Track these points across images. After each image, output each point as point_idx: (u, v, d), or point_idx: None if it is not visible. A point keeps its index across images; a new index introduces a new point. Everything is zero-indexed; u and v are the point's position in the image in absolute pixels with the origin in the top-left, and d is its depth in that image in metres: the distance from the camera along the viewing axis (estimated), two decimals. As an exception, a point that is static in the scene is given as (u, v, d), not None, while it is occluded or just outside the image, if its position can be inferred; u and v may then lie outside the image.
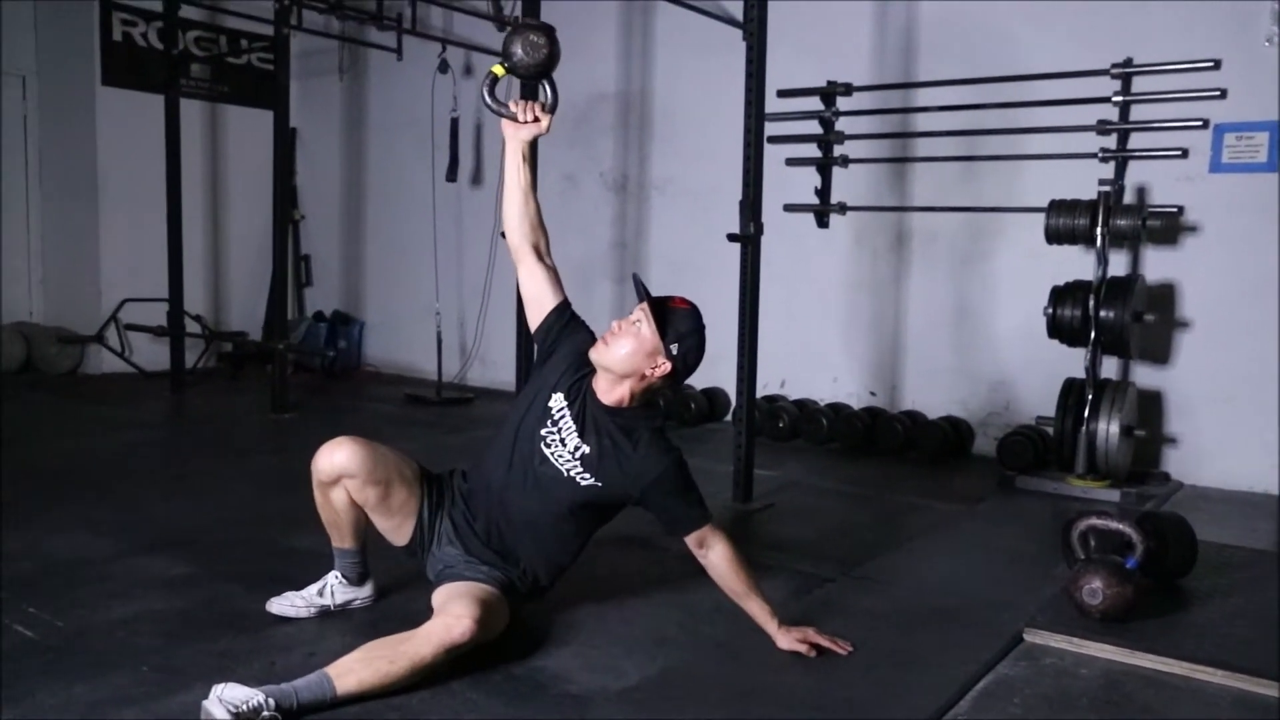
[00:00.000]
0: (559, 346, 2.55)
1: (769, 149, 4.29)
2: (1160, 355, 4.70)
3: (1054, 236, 4.48)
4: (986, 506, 4.20)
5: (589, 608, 2.78)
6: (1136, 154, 4.61)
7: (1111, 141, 4.62)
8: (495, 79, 2.52)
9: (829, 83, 5.27)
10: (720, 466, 4.08)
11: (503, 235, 4.62)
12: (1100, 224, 4.28)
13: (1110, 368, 4.67)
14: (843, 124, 5.31)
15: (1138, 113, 4.60)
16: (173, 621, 2.56)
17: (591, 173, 6.38)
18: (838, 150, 5.33)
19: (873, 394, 5.52)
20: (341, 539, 2.60)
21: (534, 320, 2.58)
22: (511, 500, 2.49)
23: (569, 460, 2.43)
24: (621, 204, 6.36)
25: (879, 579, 3.13)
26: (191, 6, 6.55)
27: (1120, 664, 2.48)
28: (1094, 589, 2.64)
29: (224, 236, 7.54)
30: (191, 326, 6.74)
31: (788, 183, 5.25)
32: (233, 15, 6.93)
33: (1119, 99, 4.57)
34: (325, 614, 2.61)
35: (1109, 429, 4.30)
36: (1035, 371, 4.92)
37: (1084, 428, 4.32)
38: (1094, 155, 4.63)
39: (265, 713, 1.94)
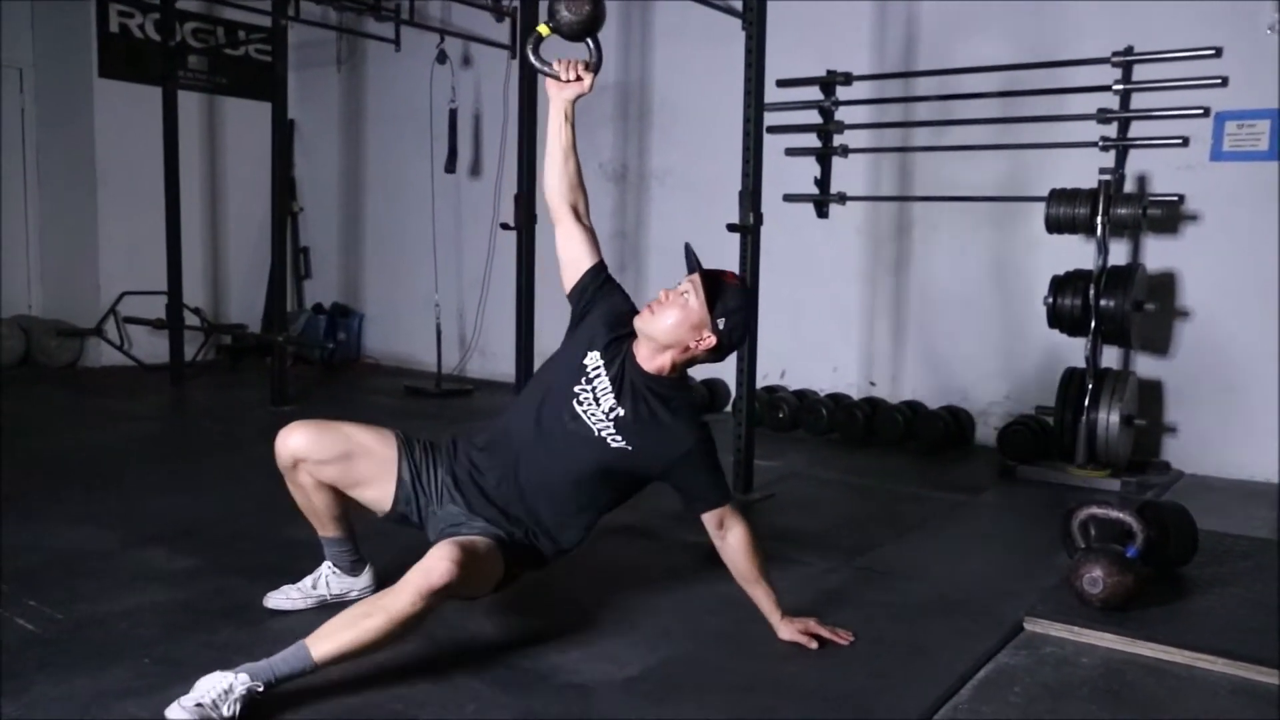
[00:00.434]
0: (594, 306, 2.52)
1: (768, 139, 4.28)
2: (1160, 344, 4.70)
3: (1054, 225, 4.47)
4: (987, 496, 4.21)
5: (590, 598, 2.78)
6: (1137, 142, 4.60)
7: (1112, 130, 4.62)
8: (540, 38, 2.49)
9: (828, 72, 5.27)
10: (721, 457, 4.06)
11: (503, 226, 4.63)
12: (1101, 213, 4.27)
13: (1111, 357, 4.66)
14: (842, 113, 5.31)
15: (1138, 101, 4.60)
16: (174, 614, 2.56)
17: (591, 163, 6.31)
18: (837, 140, 5.33)
19: (873, 384, 5.52)
20: (323, 527, 2.58)
21: (569, 281, 2.55)
22: (534, 456, 2.42)
23: (602, 421, 2.38)
24: (621, 194, 6.35)
25: (880, 569, 3.14)
26: (188, -2, 6.53)
27: (1121, 653, 2.49)
28: (1094, 578, 2.64)
29: (223, 229, 7.53)
30: (190, 319, 6.73)
31: (787, 173, 5.24)
32: (230, 6, 6.90)
33: (1119, 87, 4.57)
34: (325, 605, 2.60)
35: (1109, 418, 4.30)
36: (1035, 361, 4.92)
37: (1084, 417, 4.32)
38: (1094, 144, 4.62)
39: (239, 689, 1.93)
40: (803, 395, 5.44)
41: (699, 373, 5.26)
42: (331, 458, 2.41)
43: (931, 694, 2.22)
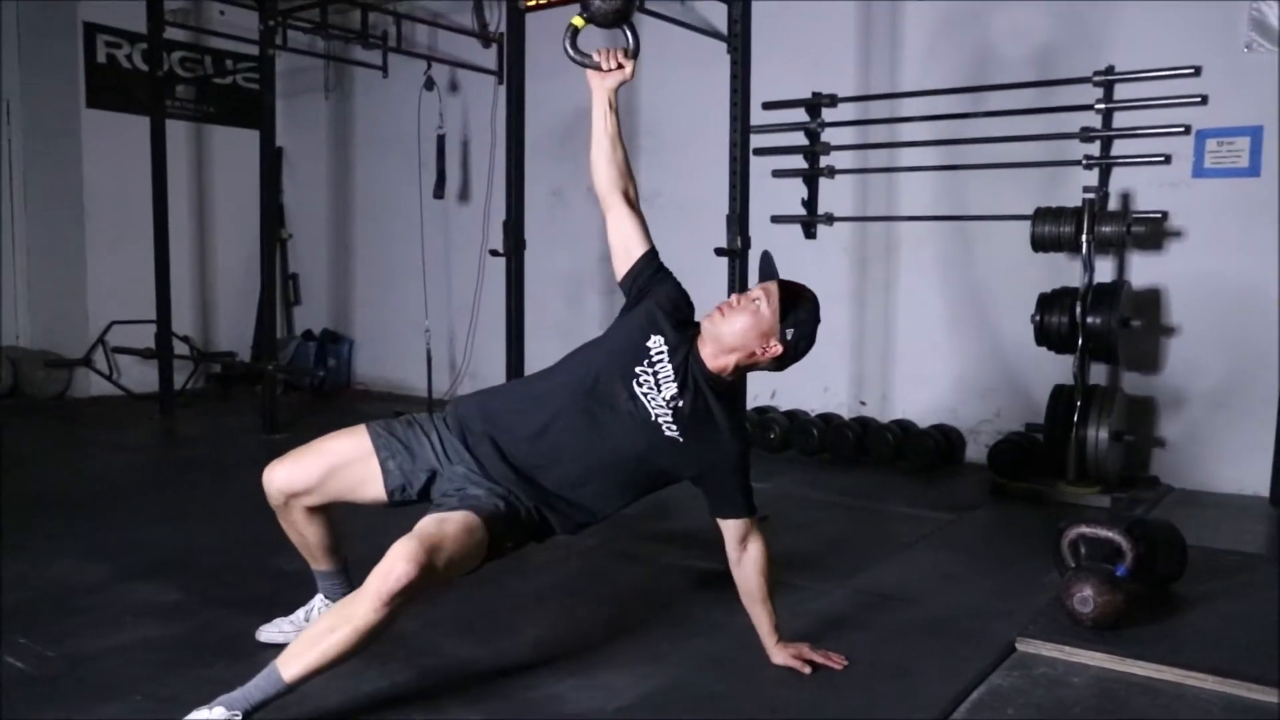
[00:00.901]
0: (650, 292, 2.48)
1: (755, 161, 4.31)
2: (1148, 360, 4.72)
3: (1040, 244, 4.50)
4: (978, 515, 4.21)
5: (583, 625, 2.78)
6: (1120, 160, 4.65)
7: (1095, 148, 4.66)
8: (576, 30, 2.47)
9: (814, 94, 5.31)
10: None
11: (492, 252, 4.64)
12: (1085, 231, 4.31)
13: (1099, 373, 4.69)
14: (828, 135, 5.34)
15: (1120, 120, 4.65)
16: (166, 649, 2.55)
17: (579, 187, 6.38)
18: (824, 161, 5.37)
19: (863, 403, 5.54)
20: (314, 560, 2.58)
21: (621, 267, 2.53)
22: (578, 428, 2.33)
23: (661, 407, 2.34)
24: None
25: (871, 590, 3.14)
26: (176, 28, 6.55)
27: (1112, 672, 2.49)
28: (1085, 597, 2.65)
29: (211, 257, 7.53)
30: (180, 348, 6.72)
31: (775, 194, 5.27)
32: (217, 36, 6.94)
33: (1102, 106, 4.62)
34: (317, 637, 2.59)
35: (1098, 435, 4.32)
36: (1024, 378, 4.95)
37: (1074, 434, 4.34)
38: (1078, 162, 4.67)
39: None
40: (793, 415, 5.45)
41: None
42: (316, 481, 2.38)
43: (924, 717, 2.23)
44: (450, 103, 6.83)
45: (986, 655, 2.57)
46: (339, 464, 2.39)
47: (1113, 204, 4.68)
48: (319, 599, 2.63)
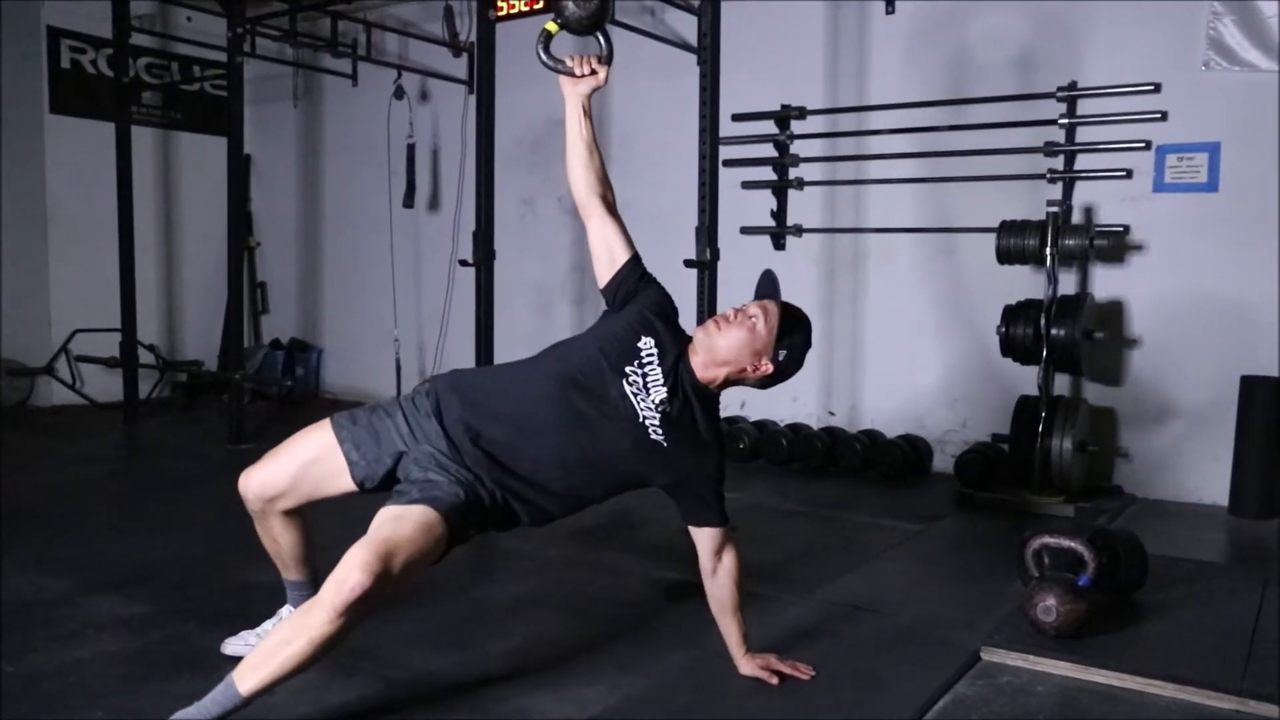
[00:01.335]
0: (638, 296, 2.47)
1: (725, 172, 4.34)
2: (1111, 371, 4.79)
3: (1005, 256, 4.56)
4: (944, 524, 4.25)
5: (552, 636, 2.78)
6: (1083, 175, 4.73)
7: (1059, 163, 4.74)
8: (550, 35, 2.46)
9: (783, 106, 5.35)
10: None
11: (461, 262, 4.63)
12: (1049, 244, 4.37)
13: (1063, 384, 4.75)
14: (797, 147, 5.39)
15: (1083, 134, 4.73)
16: (128, 663, 2.52)
17: (549, 196, 6.40)
18: (793, 173, 5.41)
19: (832, 414, 5.58)
20: (286, 569, 2.55)
21: (604, 274, 2.49)
22: (560, 420, 2.30)
23: (649, 410, 2.33)
24: (580, 228, 6.30)
25: (839, 600, 3.16)
26: (142, 34, 6.49)
27: (1075, 680, 2.53)
28: (1048, 606, 2.68)
29: (178, 265, 7.46)
30: (145, 357, 6.65)
31: (744, 205, 5.31)
32: (185, 42, 6.88)
33: (1065, 121, 4.69)
34: (283, 650, 2.57)
35: (1063, 445, 4.37)
36: (990, 389, 5.00)
37: (1038, 444, 4.39)
38: (1042, 176, 4.74)
39: None
40: (763, 426, 5.48)
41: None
42: (290, 482, 2.36)
43: (891, 727, 2.25)
44: (420, 112, 6.82)
45: (951, 664, 2.59)
46: (307, 461, 2.36)
47: (1076, 217, 4.75)
48: (286, 610, 2.60)
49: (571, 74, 2.48)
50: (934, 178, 5.08)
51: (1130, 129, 4.60)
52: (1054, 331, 4.37)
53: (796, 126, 5.37)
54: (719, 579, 2.45)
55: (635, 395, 2.33)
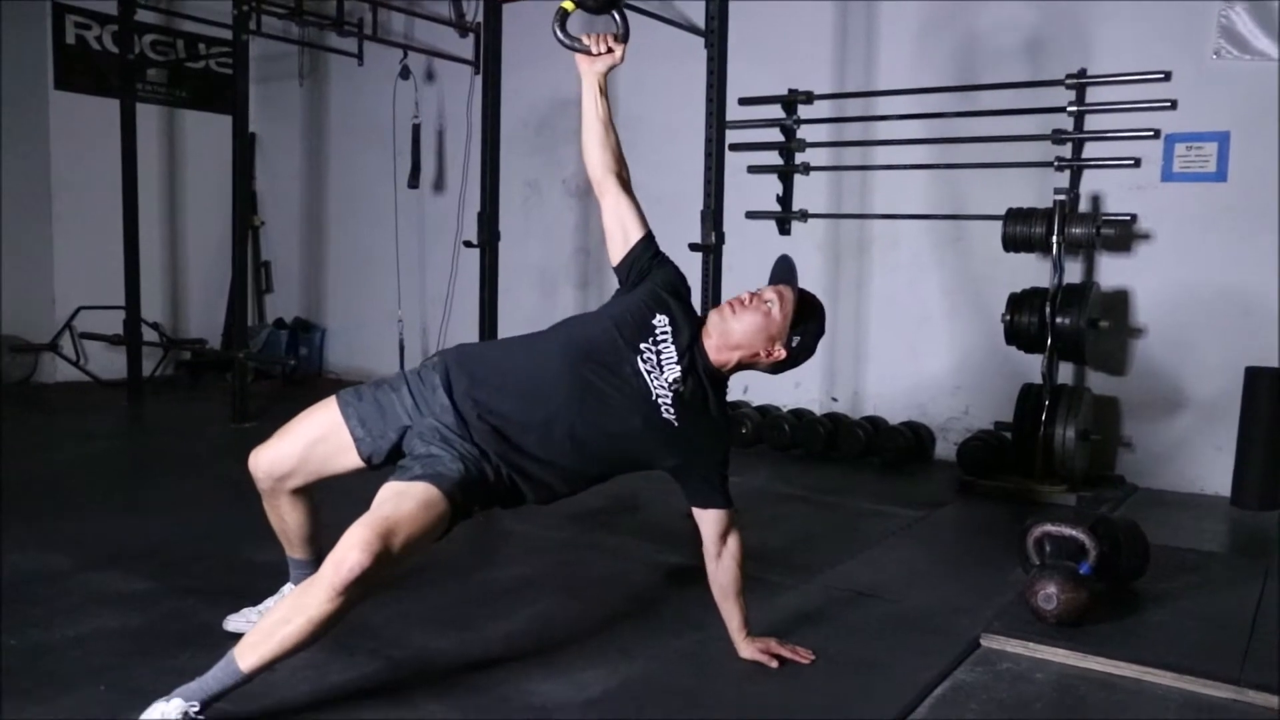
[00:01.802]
0: (650, 276, 2.46)
1: (731, 156, 4.32)
2: (1115, 361, 4.78)
3: (1011, 244, 4.54)
4: (946, 512, 4.25)
5: (553, 619, 2.79)
6: (1091, 163, 4.70)
7: (1066, 151, 4.71)
8: (566, 14, 2.45)
9: (790, 90, 5.32)
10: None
11: (466, 243, 4.62)
12: (1056, 232, 4.35)
13: (1067, 373, 4.74)
14: (804, 132, 5.36)
15: (1092, 123, 4.70)
16: (130, 639, 2.53)
17: (554, 179, 6.38)
18: (799, 158, 5.38)
19: (834, 399, 5.57)
20: (291, 548, 2.56)
21: (618, 251, 2.49)
22: (569, 396, 2.28)
23: (662, 388, 2.31)
24: (584, 211, 6.36)
25: (839, 586, 3.16)
26: (148, 10, 6.46)
27: (1074, 668, 2.53)
28: (1049, 594, 2.69)
29: (182, 243, 7.45)
30: (149, 334, 6.65)
31: (750, 190, 5.28)
32: (190, 19, 6.85)
33: (1074, 109, 4.66)
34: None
35: (1065, 434, 4.37)
36: (994, 377, 4.99)
37: (1041, 432, 4.39)
38: (1050, 164, 4.71)
39: (174, 715, 1.91)
40: (765, 411, 5.48)
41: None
42: (298, 460, 2.37)
43: (889, 711, 2.25)
44: (426, 92, 6.80)
45: (951, 650, 2.60)
46: (314, 439, 2.36)
47: (1083, 206, 4.74)
48: (288, 588, 2.61)
49: (588, 52, 2.46)
50: (941, 164, 5.06)
51: (1139, 117, 4.57)
52: (1059, 320, 4.36)
53: (803, 111, 5.34)
54: (723, 562, 2.45)
55: (649, 373, 2.32)
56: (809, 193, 5.42)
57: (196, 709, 1.94)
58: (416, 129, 6.67)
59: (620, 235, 2.48)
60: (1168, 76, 4.51)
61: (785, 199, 5.40)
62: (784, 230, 5.44)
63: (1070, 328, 4.35)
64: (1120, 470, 4.78)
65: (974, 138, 4.91)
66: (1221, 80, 4.46)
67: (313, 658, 2.17)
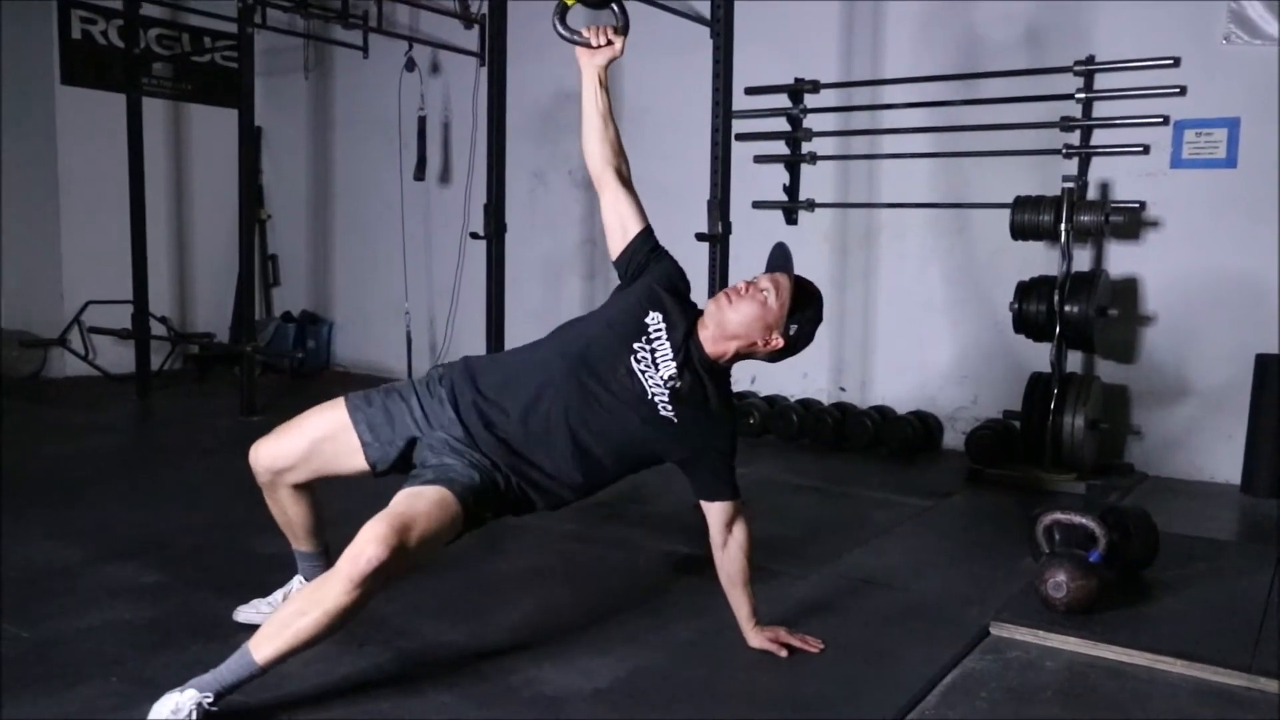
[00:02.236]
0: (649, 269, 2.46)
1: (737, 146, 4.31)
2: (1124, 349, 4.77)
3: (1019, 232, 4.53)
4: (955, 501, 4.25)
5: (561, 609, 2.79)
6: (1099, 150, 4.68)
7: (1075, 138, 4.69)
8: (566, 8, 2.45)
9: (796, 80, 5.31)
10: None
11: (473, 235, 4.62)
12: (1064, 220, 4.34)
13: (1075, 362, 4.73)
14: (810, 121, 5.35)
15: (1100, 109, 4.67)
16: (142, 630, 2.54)
17: (560, 170, 6.37)
18: (806, 147, 5.37)
19: (842, 389, 5.56)
20: (296, 540, 2.57)
21: (616, 245, 2.49)
22: (569, 401, 2.29)
23: (658, 386, 2.32)
24: (590, 201, 6.34)
25: (849, 575, 3.16)
26: (153, 4, 6.46)
27: (1084, 656, 2.53)
28: (1058, 582, 2.68)
29: (189, 237, 7.46)
30: (157, 328, 6.66)
31: (756, 180, 5.28)
32: (195, 13, 6.85)
33: (1082, 96, 4.64)
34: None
35: (1074, 422, 4.36)
36: (1002, 366, 4.98)
37: (1050, 421, 4.37)
38: (1058, 151, 4.69)
39: (188, 706, 1.92)
40: (773, 401, 5.47)
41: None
42: (300, 457, 2.37)
43: (899, 700, 2.25)
44: (431, 84, 6.79)
45: (961, 639, 2.60)
46: (320, 438, 2.37)
47: (1091, 193, 4.71)
48: (297, 580, 2.62)
49: (588, 45, 2.46)
50: (948, 152, 5.04)
51: (1148, 104, 4.55)
52: (1067, 308, 4.34)
53: (810, 101, 5.33)
54: (729, 552, 2.45)
55: (644, 372, 2.32)
56: (816, 182, 5.41)
57: (210, 700, 1.95)
58: (422, 121, 6.66)
59: (619, 229, 2.49)
60: (1177, 62, 4.48)
61: (792, 189, 5.39)
62: (791, 220, 5.43)
63: (1079, 316, 4.33)
64: (1129, 459, 4.77)
65: (981, 125, 4.89)
66: (1231, 65, 4.43)
67: (324, 649, 2.17)
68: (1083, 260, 4.71)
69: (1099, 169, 4.74)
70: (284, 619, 2.02)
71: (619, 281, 2.52)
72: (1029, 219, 4.47)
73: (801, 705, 2.24)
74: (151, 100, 6.72)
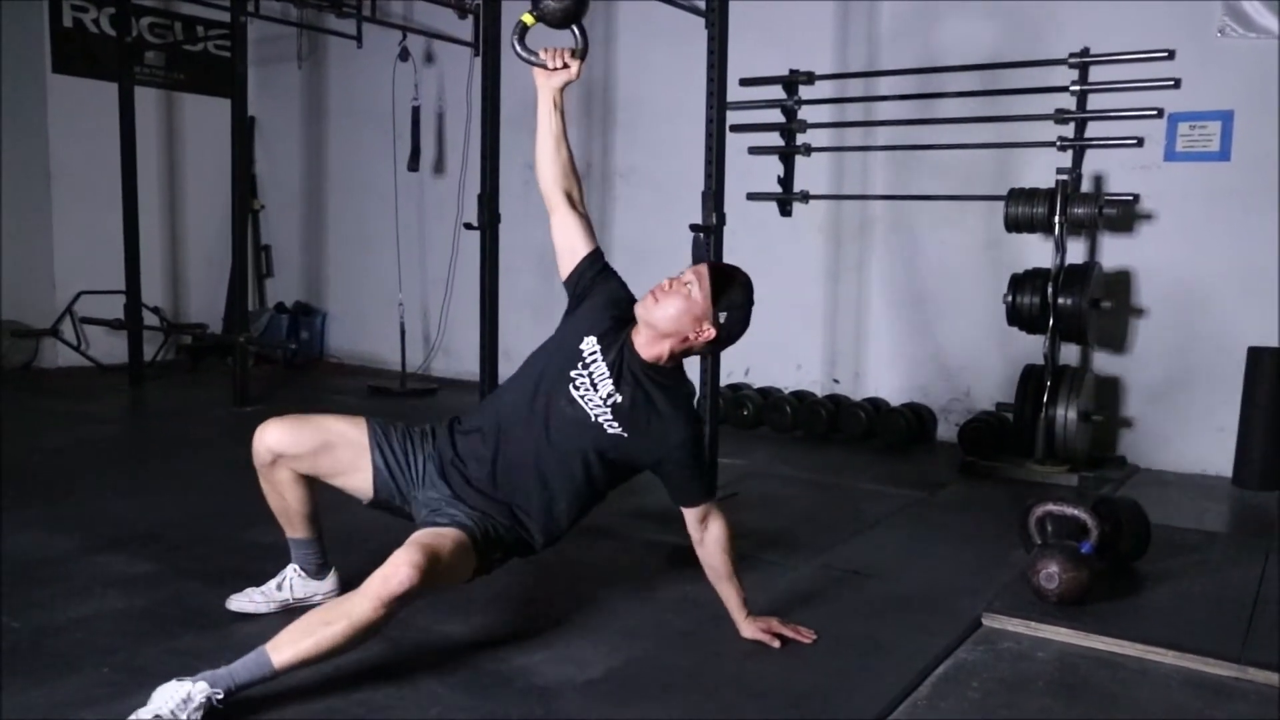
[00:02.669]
0: (591, 293, 2.51)
1: (732, 137, 4.30)
2: (1117, 341, 4.78)
3: (1013, 225, 4.53)
4: (947, 493, 4.26)
5: (553, 598, 2.79)
6: (1093, 143, 4.68)
7: (1069, 130, 4.69)
8: (525, 28, 2.50)
9: (791, 71, 5.30)
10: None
11: (466, 226, 4.62)
12: (1058, 212, 4.34)
13: (1069, 354, 4.74)
14: (805, 112, 5.34)
15: (1094, 102, 4.67)
16: (134, 620, 2.54)
17: (555, 161, 6.35)
18: (800, 139, 5.36)
19: (836, 381, 5.57)
20: (292, 528, 2.58)
21: (565, 267, 2.54)
22: (525, 440, 2.39)
23: (599, 406, 2.37)
24: (585, 193, 6.33)
25: (841, 566, 3.17)
26: (145, -8, 6.43)
27: (1076, 646, 2.54)
28: (1050, 573, 2.69)
29: (182, 227, 7.43)
30: (150, 319, 6.64)
31: (751, 171, 5.26)
32: (188, 2, 6.81)
33: (1076, 88, 4.64)
34: (288, 609, 2.58)
35: (1067, 414, 4.37)
36: (995, 358, 4.99)
37: (1043, 413, 4.39)
38: (1052, 144, 4.69)
39: (198, 698, 1.92)
40: (766, 393, 5.47)
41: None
42: (309, 451, 2.42)
43: (891, 690, 2.26)
44: (425, 74, 6.76)
45: (953, 630, 2.61)
46: (335, 443, 2.44)
47: (1085, 186, 4.72)
48: (291, 568, 2.62)
49: (544, 66, 2.50)
50: (943, 144, 5.03)
51: (1142, 96, 4.54)
52: (1061, 300, 4.35)
53: (805, 92, 5.31)
54: (708, 548, 2.48)
55: (584, 397, 2.39)
56: (810, 174, 5.40)
57: (220, 696, 1.95)
58: (416, 111, 6.64)
59: (568, 251, 2.54)
60: (1171, 55, 4.48)
61: (786, 180, 5.38)
62: (785, 211, 5.42)
63: (1072, 308, 4.34)
64: (1122, 451, 4.78)
65: (976, 118, 4.88)
66: (1226, 59, 4.43)
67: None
68: (1076, 252, 4.72)
69: (1093, 161, 4.74)
70: (307, 626, 2.05)
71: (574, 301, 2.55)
72: (1023, 211, 4.47)
73: (794, 695, 2.24)
74: (144, 89, 6.69)
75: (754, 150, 5.37)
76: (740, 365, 5.66)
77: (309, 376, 6.98)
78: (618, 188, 6.24)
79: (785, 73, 5.30)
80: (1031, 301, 4.43)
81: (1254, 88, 4.38)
